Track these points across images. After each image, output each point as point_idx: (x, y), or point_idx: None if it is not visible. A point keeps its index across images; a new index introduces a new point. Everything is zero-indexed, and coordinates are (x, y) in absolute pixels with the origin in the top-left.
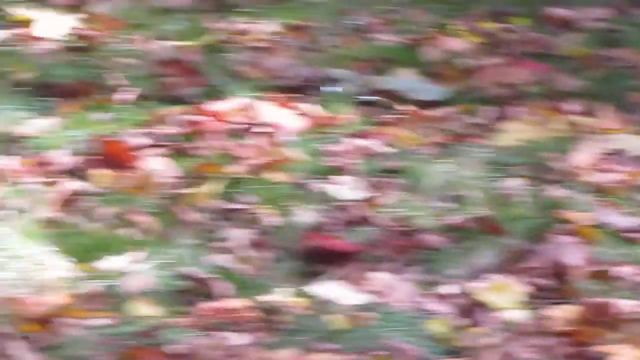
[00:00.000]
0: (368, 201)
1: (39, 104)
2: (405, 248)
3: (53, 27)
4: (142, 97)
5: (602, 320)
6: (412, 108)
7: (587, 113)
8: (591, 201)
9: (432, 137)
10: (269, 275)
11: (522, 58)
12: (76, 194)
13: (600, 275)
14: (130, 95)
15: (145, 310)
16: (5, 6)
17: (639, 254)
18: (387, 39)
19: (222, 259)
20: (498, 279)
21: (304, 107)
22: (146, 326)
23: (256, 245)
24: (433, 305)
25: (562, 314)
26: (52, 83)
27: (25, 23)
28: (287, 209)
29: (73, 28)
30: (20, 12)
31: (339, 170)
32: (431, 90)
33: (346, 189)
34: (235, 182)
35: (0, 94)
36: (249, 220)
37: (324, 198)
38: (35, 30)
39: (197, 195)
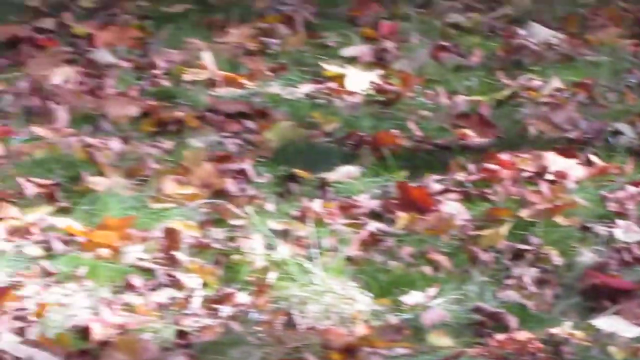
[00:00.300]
0: None
1: (345, 152)
2: None
3: (357, 82)
4: (439, 147)
5: None
6: None
7: None
8: None
9: None
10: (553, 309)
11: None
12: (377, 234)
13: None
14: (428, 143)
15: (440, 341)
16: (322, 62)
17: None
18: None
19: (510, 295)
20: None
21: (586, 157)
22: (442, 356)
23: (541, 282)
24: None
25: None
26: (356, 133)
27: (336, 78)
28: (569, 249)
29: (374, 83)
30: (332, 68)
31: (617, 215)
32: None
33: (623, 231)
34: (523, 225)
35: (312, 142)
36: (535, 260)
37: (603, 240)
38: (346, 85)
39: (488, 236)
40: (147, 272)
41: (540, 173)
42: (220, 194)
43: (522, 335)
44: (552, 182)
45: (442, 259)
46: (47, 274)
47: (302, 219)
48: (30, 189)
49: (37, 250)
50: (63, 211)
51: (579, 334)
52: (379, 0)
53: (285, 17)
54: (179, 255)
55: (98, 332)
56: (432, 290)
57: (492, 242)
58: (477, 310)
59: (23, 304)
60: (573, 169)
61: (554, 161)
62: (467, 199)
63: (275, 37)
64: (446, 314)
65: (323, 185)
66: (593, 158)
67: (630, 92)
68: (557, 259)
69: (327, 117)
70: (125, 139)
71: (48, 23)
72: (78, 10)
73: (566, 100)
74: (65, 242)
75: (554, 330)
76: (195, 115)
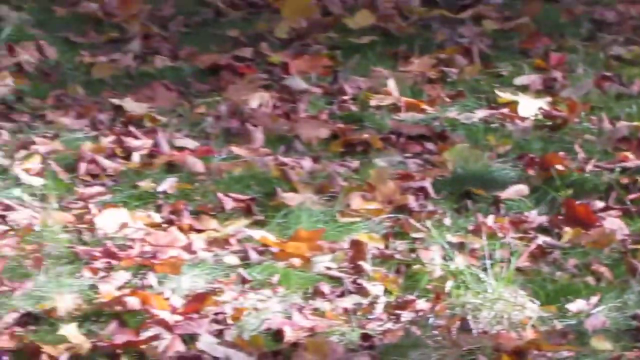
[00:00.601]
0: None
1: (516, 171)
2: None
3: (528, 108)
4: (602, 168)
5: None
6: None
7: None
8: None
9: None
10: None
11: None
12: (544, 247)
13: None
14: (592, 164)
15: (602, 345)
16: (496, 90)
17: None
18: None
19: None
20: None
21: None
22: (603, 359)
23: None
24: None
25: None
26: (526, 154)
27: (509, 104)
28: None
29: (543, 109)
30: (505, 95)
31: None
32: None
33: None
34: None
35: (487, 162)
36: None
37: None
38: (518, 111)
39: None
40: (335, 280)
41: None
42: (402, 209)
43: None
44: None
45: (604, 270)
46: (244, 281)
47: (476, 232)
48: (229, 204)
49: (234, 259)
50: (258, 224)
51: None
52: (549, 34)
53: (462, 48)
54: (364, 264)
55: (290, 335)
56: (594, 299)
57: None
58: (636, 317)
59: (221, 308)
60: None
61: None
62: (627, 215)
63: (454, 66)
64: (607, 321)
65: (496, 202)
66: None
67: None
68: None
69: (500, 140)
70: (315, 158)
71: (246, 52)
72: (274, 40)
73: None
74: (260, 252)
75: None
76: (380, 137)
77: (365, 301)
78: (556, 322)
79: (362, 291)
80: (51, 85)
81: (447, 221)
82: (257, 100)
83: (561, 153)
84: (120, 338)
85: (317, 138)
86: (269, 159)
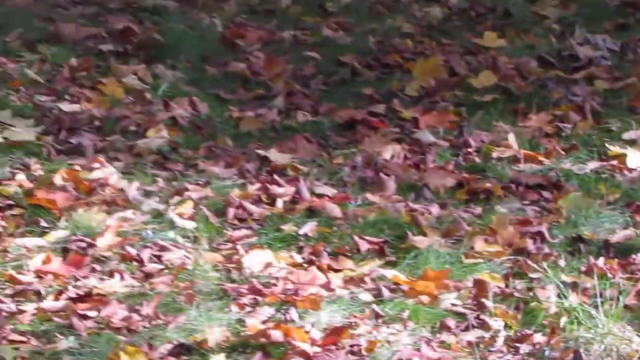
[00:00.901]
0: None
1: (624, 218)
2: None
3: (636, 160)
4: None
5: None
6: None
7: None
8: None
9: None
10: None
11: None
12: None
13: None
14: None
15: None
16: (606, 144)
17: None
18: None
19: None
20: None
21: None
22: None
23: None
24: None
25: None
26: (634, 202)
27: (618, 157)
28: None
29: None
30: (615, 148)
31: None
32: None
33: None
34: None
35: (598, 209)
36: None
37: None
38: (627, 163)
39: None
40: (460, 315)
41: None
42: (521, 251)
43: None
44: None
45: None
46: (377, 316)
47: (588, 273)
48: (364, 246)
49: (368, 296)
50: (390, 264)
51: None
52: None
53: (576, 106)
54: (486, 302)
55: None
56: None
57: None
58: None
59: (357, 341)
60: None
61: None
62: None
63: (568, 122)
64: None
65: (606, 245)
66: None
67: None
68: None
69: (610, 189)
70: (442, 205)
71: (380, 108)
72: (405, 98)
73: None
74: (392, 290)
75: None
76: (501, 186)
77: (487, 335)
78: None
79: (484, 326)
80: (202, 138)
81: (562, 262)
82: (390, 152)
83: None
84: None
85: (444, 186)
86: (400, 205)
